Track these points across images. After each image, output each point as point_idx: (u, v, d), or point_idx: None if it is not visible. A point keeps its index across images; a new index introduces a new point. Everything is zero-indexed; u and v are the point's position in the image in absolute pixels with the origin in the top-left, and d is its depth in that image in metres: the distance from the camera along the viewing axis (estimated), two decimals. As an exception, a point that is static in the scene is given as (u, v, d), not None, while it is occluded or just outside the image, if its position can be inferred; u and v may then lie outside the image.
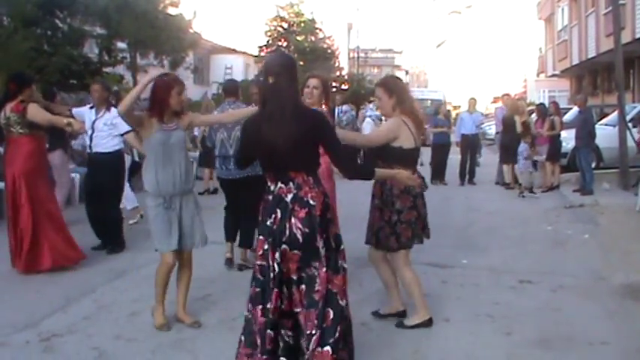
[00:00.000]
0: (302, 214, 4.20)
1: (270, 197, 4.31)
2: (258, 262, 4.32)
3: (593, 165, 15.40)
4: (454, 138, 17.77)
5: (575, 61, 31.78)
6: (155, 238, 5.52)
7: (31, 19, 16.41)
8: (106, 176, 8.39)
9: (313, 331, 4.17)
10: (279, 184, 4.27)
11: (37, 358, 5.07)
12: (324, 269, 4.23)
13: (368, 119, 19.91)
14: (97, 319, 5.91)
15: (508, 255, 8.46)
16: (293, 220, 4.19)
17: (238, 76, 37.49)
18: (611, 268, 7.74)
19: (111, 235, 8.62)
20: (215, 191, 13.64)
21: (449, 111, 22.83)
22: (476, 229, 10.42)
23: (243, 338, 4.36)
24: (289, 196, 4.23)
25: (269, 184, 4.35)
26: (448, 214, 11.73)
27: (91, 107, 8.70)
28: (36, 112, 7.51)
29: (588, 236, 9.65)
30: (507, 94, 18.61)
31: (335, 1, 79.33)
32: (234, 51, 41.69)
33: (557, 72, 37.60)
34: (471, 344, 5.37)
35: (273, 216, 4.24)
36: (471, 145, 16.91)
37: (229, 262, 7.77)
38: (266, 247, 4.26)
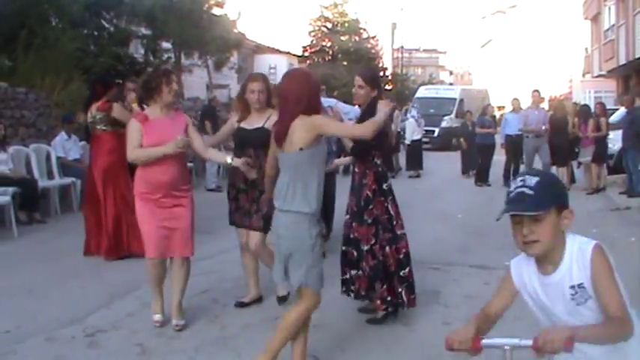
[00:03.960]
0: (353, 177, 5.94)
1: (385, 168, 5.99)
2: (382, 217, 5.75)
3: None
4: (499, 139, 17.63)
5: (622, 61, 31.24)
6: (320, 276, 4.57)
7: (78, 20, 16.67)
8: None
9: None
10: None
11: (81, 353, 5.15)
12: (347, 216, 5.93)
13: (411, 119, 19.85)
14: (140, 316, 5.98)
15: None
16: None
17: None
18: (658, 272, 7.61)
19: None
20: None
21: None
22: (519, 230, 10.30)
23: None
24: None
25: (376, 159, 5.79)
26: (492, 215, 11.57)
27: None
28: (121, 112, 8.10)
29: (635, 239, 9.50)
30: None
31: (379, 1, 79.16)
32: (278, 51, 41.85)
33: (603, 72, 37.00)
34: (513, 347, 5.32)
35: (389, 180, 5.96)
36: (516, 146, 16.72)
37: None
38: (386, 204, 5.78)
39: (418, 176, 18.66)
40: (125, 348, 5.22)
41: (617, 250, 8.72)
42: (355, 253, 5.78)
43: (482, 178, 16.80)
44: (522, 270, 2.91)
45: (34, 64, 13.42)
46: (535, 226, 2.55)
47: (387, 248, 5.69)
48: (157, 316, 5.72)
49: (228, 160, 5.56)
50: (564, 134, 15.25)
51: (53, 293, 6.78)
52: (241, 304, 6.22)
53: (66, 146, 12.08)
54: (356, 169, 5.90)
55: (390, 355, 5.14)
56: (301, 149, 4.30)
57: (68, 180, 11.71)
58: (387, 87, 43.54)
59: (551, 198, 2.55)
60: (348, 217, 5.90)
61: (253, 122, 5.99)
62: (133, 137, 5.42)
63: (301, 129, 4.30)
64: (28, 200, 10.33)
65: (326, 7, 44.78)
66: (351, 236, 5.81)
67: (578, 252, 2.59)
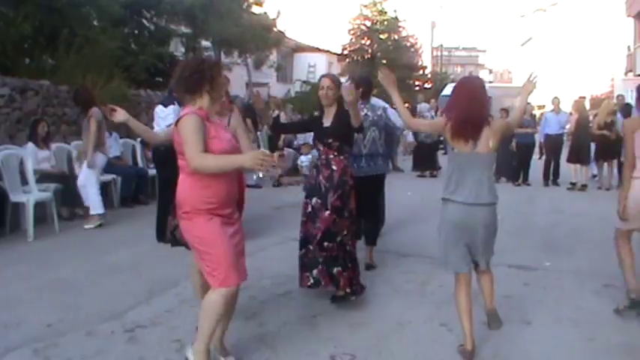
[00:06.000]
0: (326, 173, 6.11)
1: None
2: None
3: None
4: (539, 138, 17.49)
5: (667, 60, 30.80)
6: None
7: (118, 19, 16.82)
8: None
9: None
10: None
11: (121, 348, 5.20)
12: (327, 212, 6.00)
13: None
14: (179, 312, 6.02)
15: (592, 258, 8.27)
16: (320, 176, 6.13)
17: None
18: (702, 274, 7.48)
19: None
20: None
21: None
22: (560, 230, 10.22)
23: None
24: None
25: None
26: (531, 216, 11.54)
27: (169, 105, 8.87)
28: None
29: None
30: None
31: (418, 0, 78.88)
32: (317, 49, 41.91)
33: (646, 71, 36.51)
34: (552, 348, 5.28)
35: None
36: (556, 145, 16.60)
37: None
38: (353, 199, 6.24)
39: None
40: (164, 344, 5.26)
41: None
42: (336, 247, 6.00)
43: (521, 178, 16.70)
44: None
45: (76, 63, 13.56)
46: None
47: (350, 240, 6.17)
48: None
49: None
50: (587, 134, 15.46)
51: (94, 288, 6.86)
52: None
53: (107, 144, 12.22)
54: (334, 167, 6.09)
55: (427, 356, 5.12)
56: (495, 151, 4.94)
57: (109, 177, 11.84)
58: (427, 86, 43.35)
59: None
60: (327, 212, 5.99)
61: None
62: (198, 137, 4.18)
63: (496, 133, 4.92)
64: (69, 196, 10.46)
65: (365, 6, 44.65)
66: (332, 230, 6.00)
67: None
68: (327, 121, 6.21)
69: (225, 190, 4.39)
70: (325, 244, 5.94)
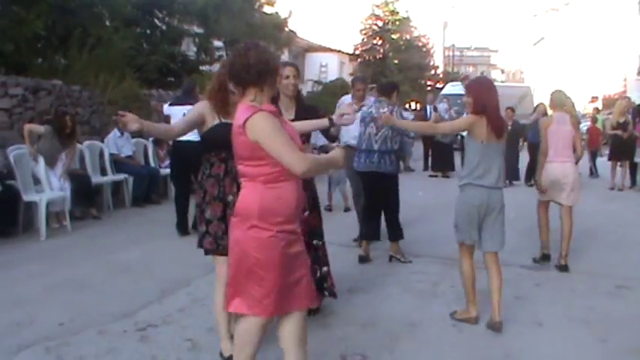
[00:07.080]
0: None
1: None
2: None
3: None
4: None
5: (680, 60, 30.62)
6: None
7: (131, 19, 16.88)
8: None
9: None
10: None
11: (133, 347, 5.21)
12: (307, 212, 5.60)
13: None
14: (190, 312, 6.03)
15: (605, 259, 8.23)
16: None
17: (333, 75, 37.61)
18: None
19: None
20: None
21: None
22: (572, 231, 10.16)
23: None
24: None
25: None
26: (543, 216, 11.49)
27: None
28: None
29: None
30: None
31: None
32: (329, 49, 41.86)
33: (659, 71, 36.33)
34: (564, 349, 5.25)
35: None
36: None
37: (364, 259, 7.96)
38: None
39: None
40: (176, 343, 5.27)
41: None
42: (322, 246, 5.96)
43: (532, 177, 16.61)
44: None
45: (88, 63, 13.60)
46: None
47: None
48: None
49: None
50: None
51: (106, 287, 6.88)
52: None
53: (118, 143, 12.24)
54: None
55: (438, 356, 5.11)
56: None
57: (121, 176, 11.89)
58: (438, 85, 43.25)
59: None
60: (307, 212, 5.76)
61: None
62: (288, 138, 3.55)
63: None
64: (82, 196, 10.49)
65: (377, 6, 44.62)
66: (316, 230, 5.93)
67: None
68: (288, 115, 5.62)
69: (296, 200, 3.71)
70: (315, 242, 5.84)
